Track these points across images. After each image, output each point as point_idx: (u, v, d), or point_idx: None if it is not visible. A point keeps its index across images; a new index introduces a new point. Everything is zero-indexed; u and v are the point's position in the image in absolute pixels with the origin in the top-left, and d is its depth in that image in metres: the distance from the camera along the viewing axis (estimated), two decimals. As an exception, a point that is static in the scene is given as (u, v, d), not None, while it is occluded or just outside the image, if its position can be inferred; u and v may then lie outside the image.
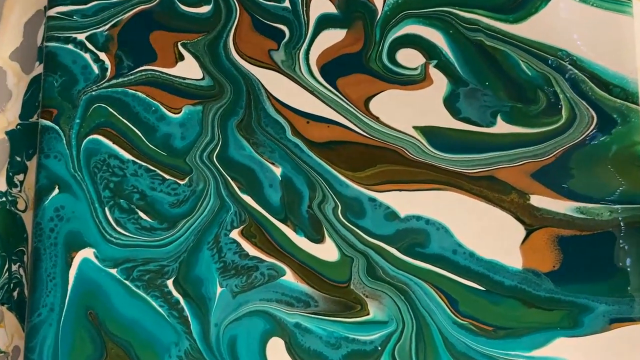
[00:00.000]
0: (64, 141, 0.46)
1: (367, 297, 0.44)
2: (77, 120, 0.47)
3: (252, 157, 0.46)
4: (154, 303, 0.44)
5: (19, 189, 0.54)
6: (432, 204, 0.45)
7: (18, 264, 0.52)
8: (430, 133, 0.45)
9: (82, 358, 0.44)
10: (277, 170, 0.46)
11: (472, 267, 0.44)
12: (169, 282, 0.44)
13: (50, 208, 0.45)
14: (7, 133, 0.54)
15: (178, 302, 0.44)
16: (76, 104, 0.46)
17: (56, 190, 0.46)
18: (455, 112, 0.46)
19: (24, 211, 0.53)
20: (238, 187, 0.45)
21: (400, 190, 0.45)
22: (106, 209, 0.45)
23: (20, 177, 0.54)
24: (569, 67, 0.47)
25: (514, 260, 0.44)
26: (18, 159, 0.54)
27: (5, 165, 0.54)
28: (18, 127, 0.54)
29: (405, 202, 0.44)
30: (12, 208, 0.53)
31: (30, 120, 0.54)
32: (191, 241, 0.45)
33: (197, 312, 0.44)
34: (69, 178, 0.46)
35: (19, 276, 0.52)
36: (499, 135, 0.45)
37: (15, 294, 0.52)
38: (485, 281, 0.44)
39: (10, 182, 0.54)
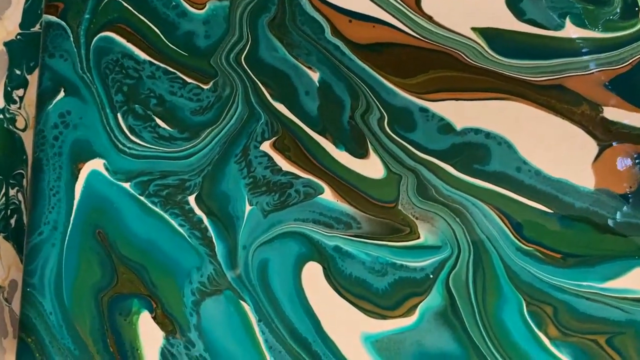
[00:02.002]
0: (72, 39, 0.41)
1: (417, 219, 0.39)
2: (87, 16, 0.42)
3: (286, 60, 0.41)
4: (172, 222, 0.39)
5: (18, 105, 0.48)
6: (493, 116, 0.40)
7: (16, 188, 0.47)
8: (491, 35, 0.41)
9: (89, 284, 0.39)
10: (315, 76, 0.41)
11: (538, 186, 0.39)
12: (191, 199, 0.40)
13: (55, 113, 0.40)
14: (5, 44, 0.49)
15: (201, 221, 0.40)
16: (85, -2, 0.42)
17: (61, 94, 0.41)
18: (519, 13, 0.41)
19: (23, 130, 0.48)
20: (269, 94, 0.41)
21: (456, 99, 0.40)
22: (119, 115, 0.41)
23: (20, 92, 0.48)
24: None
25: (585, 179, 0.40)
26: (18, 72, 0.48)
27: (3, 79, 0.48)
28: (18, 37, 0.49)
29: (462, 113, 0.40)
30: (11, 126, 0.48)
31: (32, 29, 0.48)
32: (216, 153, 0.40)
33: (222, 233, 0.40)
34: (76, 80, 0.41)
35: (17, 202, 0.47)
36: (567, 40, 0.41)
37: (12, 221, 0.47)
38: (553, 203, 0.39)
39: (8, 98, 0.48)
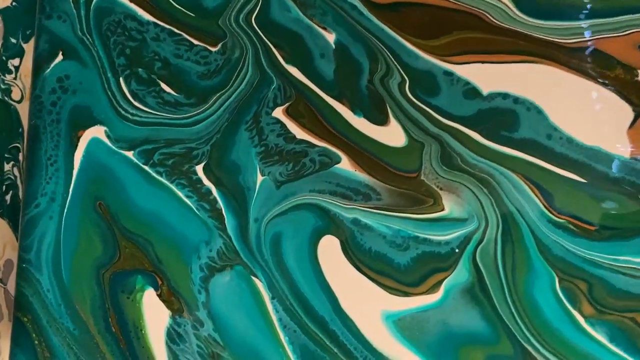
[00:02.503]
0: None
1: (441, 189, 0.37)
2: (86, -26, 0.39)
3: (300, 21, 0.39)
4: (179, 193, 0.37)
5: (13, 75, 0.45)
6: (522, 80, 0.38)
7: (12, 162, 0.44)
8: None
9: (90, 259, 0.36)
10: (330, 37, 0.39)
11: (570, 154, 0.37)
12: (199, 168, 0.38)
13: (52, 78, 0.38)
14: (0, 11, 0.46)
15: (209, 192, 0.38)
16: (84, -45, 0.40)
17: (59, 57, 0.39)
18: (547, -29, 0.39)
19: (19, 102, 0.45)
20: (282, 57, 0.39)
21: (482, 62, 0.38)
22: (121, 79, 0.39)
23: (16, 61, 0.45)
24: None
25: (620, 147, 0.37)
26: (13, 40, 0.46)
27: (-3, 48, 0.45)
28: (14, 4, 0.46)
29: (489, 77, 0.38)
30: (6, 98, 0.45)
31: (28, -4, 0.46)
32: (225, 120, 0.38)
33: (232, 205, 0.38)
34: (75, 42, 0.39)
35: (12, 177, 0.44)
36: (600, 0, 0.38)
37: (8, 197, 0.44)
38: (586, 172, 0.37)
39: (3, 68, 0.45)
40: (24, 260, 0.37)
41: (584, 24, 0.38)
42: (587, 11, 0.38)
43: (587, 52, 0.38)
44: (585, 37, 0.38)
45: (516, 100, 0.38)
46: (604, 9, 0.38)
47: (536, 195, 0.37)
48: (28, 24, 0.46)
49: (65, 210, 0.37)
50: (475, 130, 0.37)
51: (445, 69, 0.38)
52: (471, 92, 0.38)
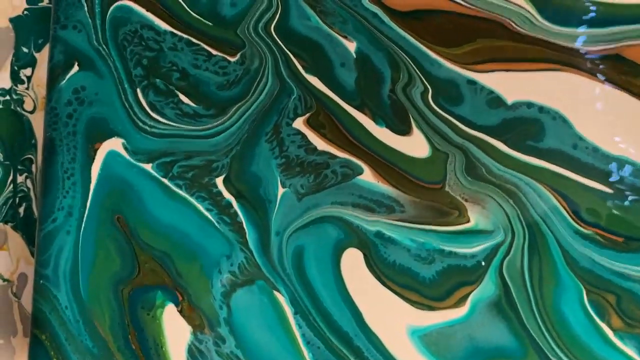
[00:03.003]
0: (86, 8, 0.38)
1: (466, 201, 0.36)
2: (101, -17, 0.38)
3: (320, 29, 0.38)
4: (199, 206, 0.36)
5: (25, 85, 0.45)
6: (546, 88, 0.37)
7: (25, 174, 0.43)
8: (542, 2, 0.38)
9: (108, 274, 0.36)
10: (351, 46, 0.38)
11: (597, 164, 0.36)
12: (219, 181, 0.37)
13: (68, 89, 0.37)
14: (11, 20, 0.45)
15: (230, 205, 0.37)
16: (99, -36, 0.39)
17: (75, 68, 0.38)
18: (571, -23, 0.38)
19: (32, 112, 0.44)
20: (302, 66, 0.38)
21: (506, 70, 0.37)
22: (138, 90, 0.38)
23: (28, 71, 0.45)
24: None
25: None
26: (25, 50, 0.45)
27: (9, 58, 0.45)
28: (25, 12, 0.45)
29: (513, 86, 0.37)
30: (18, 108, 0.44)
31: (39, 4, 0.45)
32: (245, 131, 0.37)
33: (254, 218, 0.37)
34: (91, 53, 0.38)
35: (25, 189, 0.43)
36: (625, 6, 0.38)
37: (21, 210, 0.43)
38: (613, 182, 0.36)
39: (15, 78, 0.45)
40: (42, 276, 0.36)
41: (608, 30, 0.37)
42: (611, 17, 0.38)
43: (612, 60, 0.37)
44: (609, 45, 0.37)
45: (541, 109, 0.37)
46: (629, 15, 0.38)
47: (562, 206, 0.36)
48: (40, 32, 0.45)
49: (83, 225, 0.36)
50: (500, 140, 0.37)
51: (469, 77, 0.37)
52: (495, 101, 0.37)
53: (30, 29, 0.45)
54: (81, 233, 0.36)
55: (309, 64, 0.38)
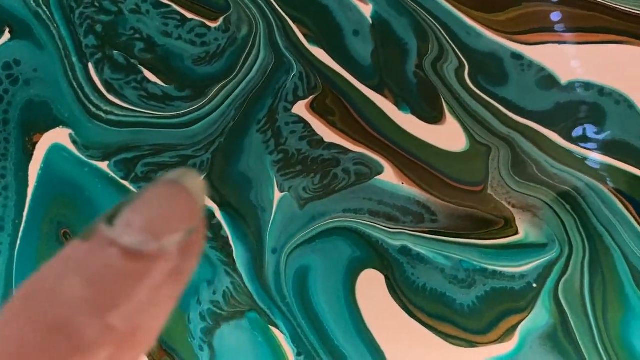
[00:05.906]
0: None
1: (513, 206, 0.32)
2: None
3: None
4: None
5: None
6: (608, 65, 0.32)
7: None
8: None
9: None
10: (366, 9, 0.33)
11: None
12: None
13: None
14: None
15: (212, 215, 0.33)
16: None
17: (6, 36, 0.33)
18: None
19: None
20: (304, 35, 0.33)
21: (559, 42, 0.32)
22: (90, 65, 0.33)
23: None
24: None
25: None
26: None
27: None
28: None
29: (568, 61, 0.32)
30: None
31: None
32: (231, 119, 0.33)
33: (243, 231, 0.33)
34: (28, 16, 0.33)
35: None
36: None
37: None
38: None
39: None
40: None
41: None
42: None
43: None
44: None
45: (602, 91, 0.32)
46: None
47: (630, 213, 0.32)
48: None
49: (18, 243, 0.32)
50: (553, 130, 0.32)
51: (514, 50, 0.32)
52: (546, 80, 0.32)
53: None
54: (16, 252, 0.32)
55: (313, 32, 0.33)
